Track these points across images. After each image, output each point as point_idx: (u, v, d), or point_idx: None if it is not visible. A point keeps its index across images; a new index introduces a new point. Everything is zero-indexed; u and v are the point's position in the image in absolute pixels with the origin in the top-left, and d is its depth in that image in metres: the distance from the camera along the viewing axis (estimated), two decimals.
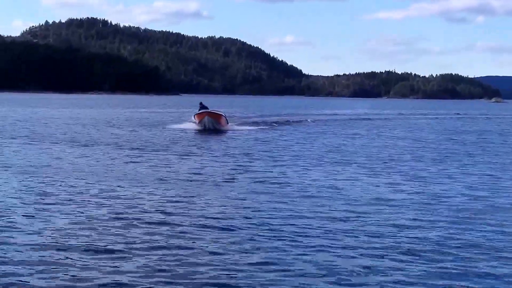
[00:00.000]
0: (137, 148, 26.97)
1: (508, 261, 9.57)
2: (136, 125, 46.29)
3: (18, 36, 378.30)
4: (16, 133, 34.30)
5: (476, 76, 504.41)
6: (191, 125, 42.56)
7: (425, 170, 20.75)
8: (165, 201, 14.15)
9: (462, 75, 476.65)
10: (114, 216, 12.48)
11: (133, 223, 11.87)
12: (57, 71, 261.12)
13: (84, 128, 41.55)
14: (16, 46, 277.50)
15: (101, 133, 36.17)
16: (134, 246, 10.16)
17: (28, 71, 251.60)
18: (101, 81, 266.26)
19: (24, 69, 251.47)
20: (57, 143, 29.02)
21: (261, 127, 44.38)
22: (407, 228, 11.77)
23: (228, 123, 42.03)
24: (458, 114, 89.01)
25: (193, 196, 14.81)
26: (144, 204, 13.82)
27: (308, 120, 54.63)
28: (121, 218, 12.20)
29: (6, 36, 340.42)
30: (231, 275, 8.63)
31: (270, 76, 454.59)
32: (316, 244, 10.50)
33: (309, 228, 11.62)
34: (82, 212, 12.77)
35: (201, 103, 43.62)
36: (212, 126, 39.86)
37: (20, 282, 8.25)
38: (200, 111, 41.25)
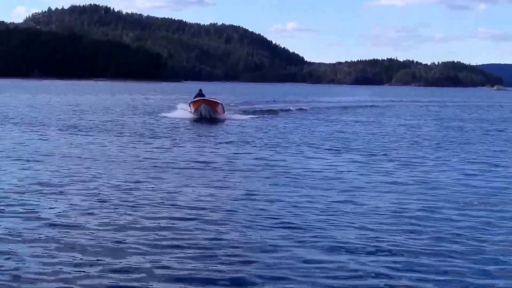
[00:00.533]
0: (133, 135, 27.02)
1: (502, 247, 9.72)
2: (134, 112, 46.15)
3: (21, 23, 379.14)
4: (15, 119, 34.65)
5: (478, 64, 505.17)
6: (185, 114, 39.92)
7: (420, 157, 20.91)
8: (162, 188, 13.99)
9: (464, 63, 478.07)
10: (111, 200, 12.49)
11: (131, 208, 11.80)
12: (60, 58, 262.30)
13: (81, 114, 41.66)
14: (19, 33, 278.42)
15: (97, 119, 36.22)
16: (133, 228, 10.24)
17: (31, 58, 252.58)
18: (103, 68, 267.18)
19: (27, 56, 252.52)
20: (53, 129, 29.51)
21: (258, 115, 42.73)
22: (403, 214, 11.73)
23: (224, 112, 39.69)
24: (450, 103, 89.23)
25: (187, 183, 14.64)
26: (143, 189, 13.70)
27: (291, 108, 53.10)
28: (106, 201, 12.40)
29: (9, 23, 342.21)
30: (227, 261, 8.60)
31: (272, 63, 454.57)
32: (315, 228, 10.52)
33: (308, 213, 11.63)
34: (77, 198, 12.63)
35: (200, 90, 41.12)
36: (208, 114, 37.59)
37: (16, 270, 8.05)
38: (196, 99, 38.94)
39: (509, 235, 10.47)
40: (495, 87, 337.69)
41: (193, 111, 39.00)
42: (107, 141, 24.35)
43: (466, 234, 10.33)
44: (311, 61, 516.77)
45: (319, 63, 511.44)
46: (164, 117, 39.84)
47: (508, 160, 20.81)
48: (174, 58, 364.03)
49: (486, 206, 12.72)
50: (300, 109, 53.33)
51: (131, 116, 40.95)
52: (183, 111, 41.41)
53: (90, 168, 16.77)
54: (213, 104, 38.10)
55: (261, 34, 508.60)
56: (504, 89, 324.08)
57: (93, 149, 21.29)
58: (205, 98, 39.04)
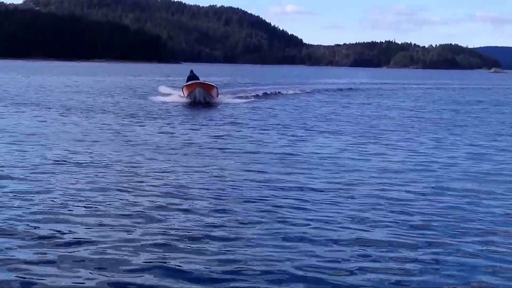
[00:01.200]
0: (120, 117, 26.91)
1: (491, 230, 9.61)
2: (129, 93, 45.24)
3: (21, 4, 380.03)
4: (10, 100, 34.93)
5: (475, 47, 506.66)
6: (177, 98, 37.51)
7: (412, 140, 20.78)
8: (159, 170, 13.75)
9: (462, 46, 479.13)
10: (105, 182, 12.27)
11: (128, 191, 11.55)
12: (60, 39, 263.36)
13: (73, 95, 41.52)
14: (19, 14, 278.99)
15: (93, 101, 36.23)
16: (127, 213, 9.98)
17: (30, 39, 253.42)
18: (103, 50, 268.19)
19: (27, 37, 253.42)
20: (49, 109, 29.90)
21: (253, 99, 41.04)
22: (392, 196, 11.58)
23: (218, 95, 37.15)
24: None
25: (182, 165, 14.45)
26: (139, 172, 13.48)
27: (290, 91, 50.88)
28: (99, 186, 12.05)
29: (9, 4, 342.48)
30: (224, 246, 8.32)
31: (271, 46, 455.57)
32: (312, 211, 10.39)
33: (292, 195, 11.50)
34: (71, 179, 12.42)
35: (191, 72, 38.42)
36: (203, 99, 35.01)
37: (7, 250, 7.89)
38: (190, 83, 36.12)
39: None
40: (492, 70, 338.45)
41: (185, 95, 36.22)
42: (90, 121, 24.37)
43: (448, 215, 10.29)
44: (310, 43, 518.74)
45: (318, 45, 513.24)
46: (153, 100, 37.15)
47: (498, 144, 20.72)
48: (173, 39, 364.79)
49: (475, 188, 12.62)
50: (296, 93, 51.57)
51: (116, 98, 39.66)
52: (174, 96, 39.02)
53: (74, 149, 16.52)
54: (208, 88, 35.66)
55: (260, 16, 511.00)
56: (501, 71, 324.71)
57: (76, 130, 21.24)
58: (200, 81, 36.56)
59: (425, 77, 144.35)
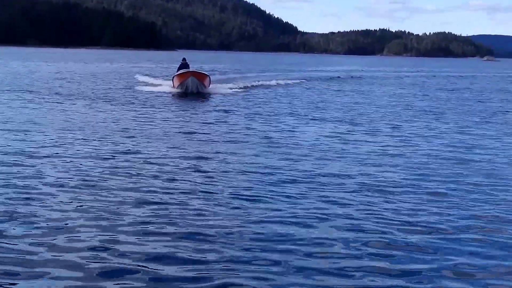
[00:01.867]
0: (102, 102, 27.04)
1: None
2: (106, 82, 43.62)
3: None
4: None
5: (469, 35, 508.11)
6: (167, 88, 35.55)
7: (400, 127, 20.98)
8: (152, 156, 13.72)
9: (456, 34, 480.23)
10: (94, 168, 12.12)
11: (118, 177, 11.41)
12: (55, 26, 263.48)
13: (61, 81, 41.48)
14: (15, 0, 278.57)
15: (82, 87, 36.18)
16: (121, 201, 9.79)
17: (26, 25, 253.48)
18: (98, 36, 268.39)
19: (22, 24, 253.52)
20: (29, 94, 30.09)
21: (244, 87, 39.87)
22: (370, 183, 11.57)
23: (210, 84, 35.43)
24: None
25: (167, 152, 14.37)
26: (134, 159, 13.25)
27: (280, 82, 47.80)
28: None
29: None
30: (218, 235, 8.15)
31: (266, 33, 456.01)
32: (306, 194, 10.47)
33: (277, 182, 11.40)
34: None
35: (184, 60, 36.97)
36: (196, 88, 33.33)
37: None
38: (182, 71, 34.11)
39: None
40: (485, 58, 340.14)
41: (176, 85, 34.29)
42: (73, 108, 24.30)
43: (431, 203, 10.26)
44: (305, 31, 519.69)
45: (313, 33, 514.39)
46: (139, 90, 35.05)
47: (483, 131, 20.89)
48: (168, 27, 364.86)
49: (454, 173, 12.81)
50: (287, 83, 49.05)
51: (101, 85, 38.74)
52: (158, 87, 37.07)
53: (60, 137, 16.23)
54: (201, 77, 33.79)
55: (255, 4, 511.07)
56: (494, 60, 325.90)
57: (60, 117, 21.11)
58: (193, 70, 34.95)
59: (418, 65, 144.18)
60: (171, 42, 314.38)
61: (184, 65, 36.06)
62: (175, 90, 34.11)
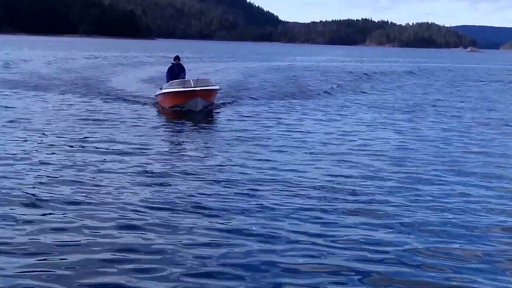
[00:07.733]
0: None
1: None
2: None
3: None
4: None
5: (452, 25, 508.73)
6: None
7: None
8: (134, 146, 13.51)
9: (439, 24, 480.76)
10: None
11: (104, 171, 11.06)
12: (32, 13, 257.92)
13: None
14: None
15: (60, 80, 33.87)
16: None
17: (1, 12, 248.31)
18: (76, 24, 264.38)
19: None
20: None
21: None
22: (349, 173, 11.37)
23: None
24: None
25: (160, 147, 13.82)
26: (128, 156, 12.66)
27: None
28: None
29: None
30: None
31: (247, 23, 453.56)
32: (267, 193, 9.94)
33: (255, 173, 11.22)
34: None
35: (177, 59, 24.44)
36: (202, 109, 21.42)
37: None
38: (180, 90, 21.30)
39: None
40: (468, 49, 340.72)
41: (169, 104, 21.94)
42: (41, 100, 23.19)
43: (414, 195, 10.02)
44: (286, 21, 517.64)
45: (294, 23, 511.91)
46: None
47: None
48: (148, 15, 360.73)
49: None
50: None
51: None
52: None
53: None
54: (210, 95, 22.43)
55: None
56: (477, 50, 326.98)
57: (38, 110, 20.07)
58: (199, 88, 21.13)
59: (402, 56, 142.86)
60: (151, 31, 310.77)
61: (177, 67, 24.19)
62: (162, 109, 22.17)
